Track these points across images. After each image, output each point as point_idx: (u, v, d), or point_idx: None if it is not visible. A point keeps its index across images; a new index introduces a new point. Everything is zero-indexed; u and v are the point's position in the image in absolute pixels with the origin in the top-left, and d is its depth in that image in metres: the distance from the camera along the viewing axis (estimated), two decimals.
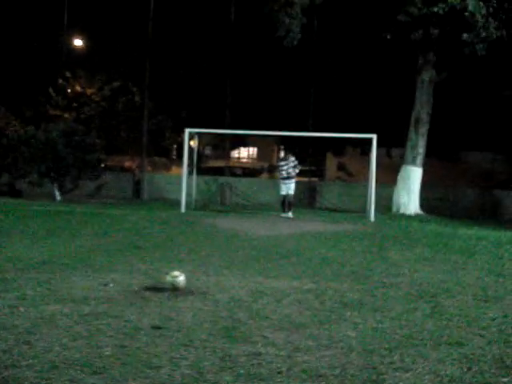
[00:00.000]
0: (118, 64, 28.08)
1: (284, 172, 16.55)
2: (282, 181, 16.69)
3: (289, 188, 16.47)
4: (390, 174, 21.21)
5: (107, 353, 3.80)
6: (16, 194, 21.21)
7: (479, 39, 16.85)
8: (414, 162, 19.27)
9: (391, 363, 3.79)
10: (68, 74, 28.23)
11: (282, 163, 16.88)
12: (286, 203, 16.55)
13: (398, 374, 3.59)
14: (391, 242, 10.73)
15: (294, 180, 16.60)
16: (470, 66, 19.32)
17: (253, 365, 3.67)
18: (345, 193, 22.59)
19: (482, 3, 16.46)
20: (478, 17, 16.39)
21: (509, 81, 20.39)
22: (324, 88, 26.57)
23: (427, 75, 19.22)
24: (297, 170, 16.64)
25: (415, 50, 19.29)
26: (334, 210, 20.00)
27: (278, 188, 17.16)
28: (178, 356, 3.79)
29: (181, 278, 5.69)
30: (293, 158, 16.71)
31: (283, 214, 16.33)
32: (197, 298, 5.46)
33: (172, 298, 5.42)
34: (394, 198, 19.44)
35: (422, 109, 19.33)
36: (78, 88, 28.79)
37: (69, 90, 28.82)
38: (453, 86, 22.12)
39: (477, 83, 22.05)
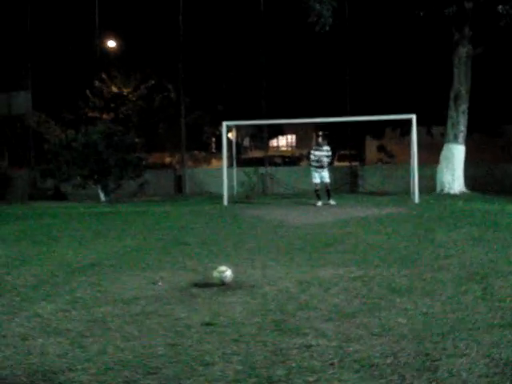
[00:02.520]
0: (152, 62, 28.23)
1: (316, 160, 16.11)
2: (314, 168, 16.20)
3: (323, 177, 16.05)
4: (432, 153, 20.87)
5: (160, 352, 3.84)
6: (61, 197, 21.61)
7: None
8: (455, 140, 18.92)
9: (444, 349, 3.74)
10: (104, 76, 28.54)
11: (316, 151, 16.37)
12: (325, 192, 16.25)
13: (452, 360, 3.54)
14: (437, 223, 10.59)
15: (326, 168, 16.15)
16: (506, 39, 18.82)
17: (304, 357, 3.66)
18: (387, 175, 22.34)
19: None
20: None
21: None
22: (360, 71, 26.25)
23: (464, 51, 18.81)
24: (329, 160, 16.28)
25: (450, 25, 18.89)
26: (377, 194, 19.80)
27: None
28: (230, 352, 3.81)
29: (228, 273, 5.73)
30: (327, 147, 16.23)
31: (331, 202, 15.98)
32: (245, 292, 5.48)
33: (220, 293, 5.46)
34: (438, 177, 19.14)
35: (461, 85, 18.94)
36: (115, 89, 29.07)
37: (105, 92, 29.14)
38: (491, 60, 21.60)
39: None
